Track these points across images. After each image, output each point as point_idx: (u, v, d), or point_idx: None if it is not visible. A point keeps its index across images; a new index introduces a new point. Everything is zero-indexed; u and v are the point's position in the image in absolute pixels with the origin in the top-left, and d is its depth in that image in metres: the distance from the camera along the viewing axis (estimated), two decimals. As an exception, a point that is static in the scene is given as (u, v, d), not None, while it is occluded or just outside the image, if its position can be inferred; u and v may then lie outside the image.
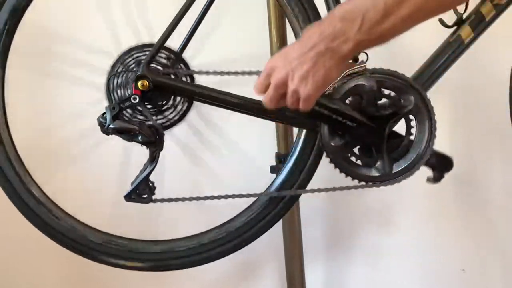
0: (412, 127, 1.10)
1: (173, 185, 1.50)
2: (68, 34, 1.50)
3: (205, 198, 1.12)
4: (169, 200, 1.12)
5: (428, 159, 1.09)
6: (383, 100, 1.09)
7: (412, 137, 1.10)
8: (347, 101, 1.08)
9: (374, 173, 1.10)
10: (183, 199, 1.12)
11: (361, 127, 1.07)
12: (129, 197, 1.11)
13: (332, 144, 1.08)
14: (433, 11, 0.88)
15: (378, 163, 1.09)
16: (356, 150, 1.11)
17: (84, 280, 1.61)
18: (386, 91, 1.09)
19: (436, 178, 1.14)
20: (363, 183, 1.11)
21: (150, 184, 1.11)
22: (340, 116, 1.06)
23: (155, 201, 1.11)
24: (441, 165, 1.13)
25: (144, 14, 1.51)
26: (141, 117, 1.10)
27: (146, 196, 1.10)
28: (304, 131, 1.14)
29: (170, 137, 1.13)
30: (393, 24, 0.85)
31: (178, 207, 1.19)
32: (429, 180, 1.15)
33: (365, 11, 0.85)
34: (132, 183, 1.11)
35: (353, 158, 1.11)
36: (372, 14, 0.85)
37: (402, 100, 1.08)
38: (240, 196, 1.11)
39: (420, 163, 1.09)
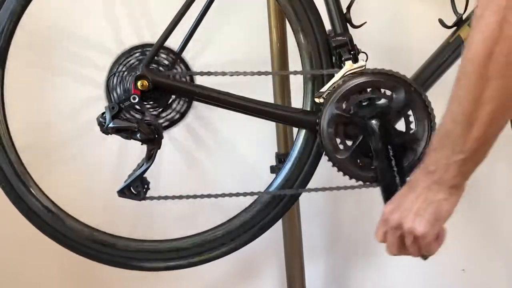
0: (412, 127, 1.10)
1: (172, 185, 1.50)
2: (68, 32, 1.50)
3: (201, 196, 1.12)
4: (163, 198, 1.12)
5: None
6: (383, 100, 1.09)
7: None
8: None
9: (374, 173, 1.10)
10: (178, 197, 1.12)
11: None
12: (122, 192, 1.11)
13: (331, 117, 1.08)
14: None
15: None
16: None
17: (84, 280, 1.61)
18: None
19: None
20: (363, 183, 1.11)
21: (145, 182, 1.11)
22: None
23: (148, 198, 1.11)
24: None
25: (144, 14, 1.51)
26: (140, 116, 1.10)
27: (139, 193, 1.11)
28: (304, 131, 1.15)
29: (169, 137, 1.13)
30: (482, 129, 0.80)
31: (177, 207, 1.20)
32: None
33: (450, 131, 0.83)
34: (126, 180, 1.11)
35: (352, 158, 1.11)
36: (457, 130, 0.82)
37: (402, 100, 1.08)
38: (238, 194, 1.12)
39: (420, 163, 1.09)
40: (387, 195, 1.06)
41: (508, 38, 0.72)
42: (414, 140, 1.09)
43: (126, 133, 1.07)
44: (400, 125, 1.11)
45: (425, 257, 0.99)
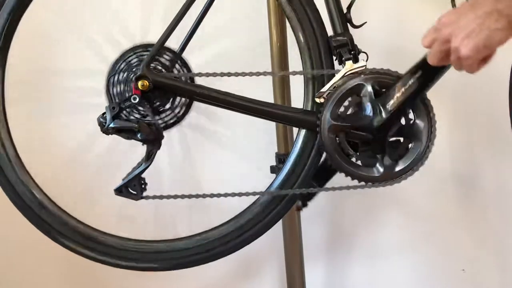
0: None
1: (171, 185, 1.50)
2: (68, 30, 1.50)
3: (202, 196, 1.12)
4: (160, 197, 1.12)
5: None
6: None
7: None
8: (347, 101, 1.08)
9: (374, 173, 1.10)
10: (175, 197, 1.12)
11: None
12: (119, 191, 1.11)
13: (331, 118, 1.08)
14: None
15: (378, 164, 1.10)
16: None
17: (84, 280, 1.61)
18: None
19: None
20: (363, 183, 1.11)
21: (142, 182, 1.11)
22: None
23: (145, 198, 1.11)
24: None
25: (145, 13, 1.51)
26: (139, 116, 1.10)
27: (136, 192, 1.11)
28: (304, 131, 1.15)
29: (168, 137, 1.13)
30: None
31: (177, 207, 1.20)
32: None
33: None
34: (123, 179, 1.11)
35: (353, 159, 1.11)
36: None
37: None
38: (238, 195, 1.12)
39: (420, 163, 1.09)
40: None
41: None
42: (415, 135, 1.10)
43: (127, 133, 1.07)
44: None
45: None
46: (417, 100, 1.08)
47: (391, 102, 1.07)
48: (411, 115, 1.10)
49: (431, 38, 0.94)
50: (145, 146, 1.10)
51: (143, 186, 1.11)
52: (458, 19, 0.90)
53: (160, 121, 1.12)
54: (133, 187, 1.11)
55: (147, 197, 1.11)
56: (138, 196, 1.11)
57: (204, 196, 1.12)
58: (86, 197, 1.54)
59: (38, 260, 1.59)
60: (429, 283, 1.66)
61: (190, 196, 1.13)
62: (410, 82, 1.06)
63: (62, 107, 1.53)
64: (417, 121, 1.09)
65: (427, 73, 1.05)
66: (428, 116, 1.08)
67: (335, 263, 1.68)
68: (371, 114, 1.08)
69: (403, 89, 1.07)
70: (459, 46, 0.89)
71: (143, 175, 1.11)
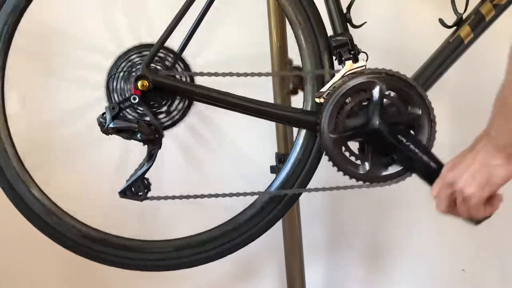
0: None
1: (171, 185, 1.50)
2: (68, 32, 1.50)
3: (201, 196, 1.12)
4: (164, 198, 1.12)
5: None
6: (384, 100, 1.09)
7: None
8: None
9: (374, 173, 1.10)
10: (179, 197, 1.12)
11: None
12: (123, 193, 1.11)
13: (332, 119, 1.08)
14: None
15: (377, 163, 1.10)
16: (355, 149, 1.11)
17: (84, 280, 1.61)
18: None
19: None
20: (362, 183, 1.11)
21: (146, 182, 1.11)
22: None
23: (149, 198, 1.11)
24: None
25: (145, 14, 1.51)
26: (139, 116, 1.10)
27: (140, 193, 1.11)
28: (304, 131, 1.14)
29: (169, 137, 1.13)
30: None
31: (177, 207, 1.19)
32: None
33: (506, 98, 0.86)
34: (127, 180, 1.11)
35: (352, 158, 1.11)
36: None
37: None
38: (238, 194, 1.11)
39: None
40: (427, 178, 1.05)
41: None
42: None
43: (127, 133, 1.07)
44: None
45: (477, 222, 1.00)
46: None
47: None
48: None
49: (439, 186, 0.97)
50: (145, 146, 1.09)
51: (147, 187, 1.11)
52: (459, 162, 0.93)
53: (160, 121, 1.12)
54: (137, 188, 1.10)
55: (151, 198, 1.11)
56: (142, 197, 1.11)
57: (209, 196, 1.12)
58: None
59: (38, 260, 1.59)
60: (429, 283, 1.67)
61: (194, 197, 1.12)
62: None
63: (63, 108, 1.53)
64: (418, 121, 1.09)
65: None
66: (428, 115, 1.08)
67: (335, 263, 1.68)
68: (371, 114, 1.08)
69: None
70: (464, 185, 0.91)
71: (146, 175, 1.11)
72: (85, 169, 1.56)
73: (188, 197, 1.12)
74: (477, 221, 1.00)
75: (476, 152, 0.92)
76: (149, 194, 1.11)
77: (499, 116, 0.88)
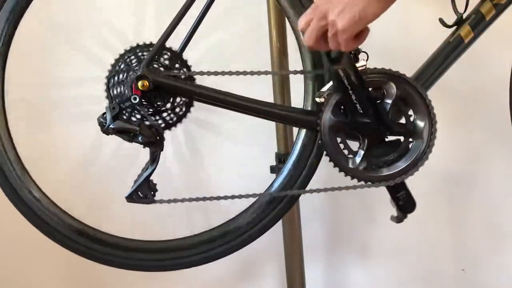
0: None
1: (171, 185, 1.50)
2: (69, 32, 1.50)
3: (206, 199, 1.12)
4: (171, 201, 1.11)
5: (399, 194, 1.11)
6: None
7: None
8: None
9: (374, 173, 1.10)
10: (186, 200, 1.12)
11: (365, 117, 1.08)
12: (130, 198, 1.10)
13: (332, 118, 1.08)
14: None
15: (376, 163, 1.10)
16: (355, 148, 1.11)
17: (84, 280, 1.61)
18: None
19: (400, 218, 1.15)
20: (362, 183, 1.11)
21: (152, 185, 1.10)
22: (355, 94, 1.06)
23: (157, 202, 1.11)
24: (406, 205, 1.14)
25: (145, 14, 1.51)
26: (140, 117, 1.10)
27: (147, 197, 1.10)
28: (304, 131, 1.14)
29: (169, 138, 1.13)
30: None
31: (177, 207, 1.19)
32: (392, 219, 1.16)
33: None
34: (132, 185, 1.11)
35: (353, 159, 1.11)
36: None
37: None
38: (238, 197, 1.11)
39: (420, 163, 1.09)
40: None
41: None
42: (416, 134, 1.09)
43: (128, 135, 1.07)
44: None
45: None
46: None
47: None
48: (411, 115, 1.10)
49: (308, 18, 0.95)
50: (146, 149, 1.09)
51: (153, 189, 1.11)
52: None
53: (160, 121, 1.12)
54: (144, 191, 1.10)
55: (160, 201, 1.10)
56: (150, 200, 1.11)
57: (218, 198, 1.11)
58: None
59: (38, 260, 1.59)
60: (430, 283, 1.67)
61: (201, 199, 1.12)
62: None
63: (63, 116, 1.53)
64: (418, 121, 1.09)
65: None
66: (429, 115, 1.08)
67: (335, 263, 1.68)
68: (371, 114, 1.08)
69: None
70: (336, 19, 0.90)
71: (151, 178, 1.10)
72: (86, 169, 1.55)
73: (200, 199, 1.12)
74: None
75: None
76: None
77: None
